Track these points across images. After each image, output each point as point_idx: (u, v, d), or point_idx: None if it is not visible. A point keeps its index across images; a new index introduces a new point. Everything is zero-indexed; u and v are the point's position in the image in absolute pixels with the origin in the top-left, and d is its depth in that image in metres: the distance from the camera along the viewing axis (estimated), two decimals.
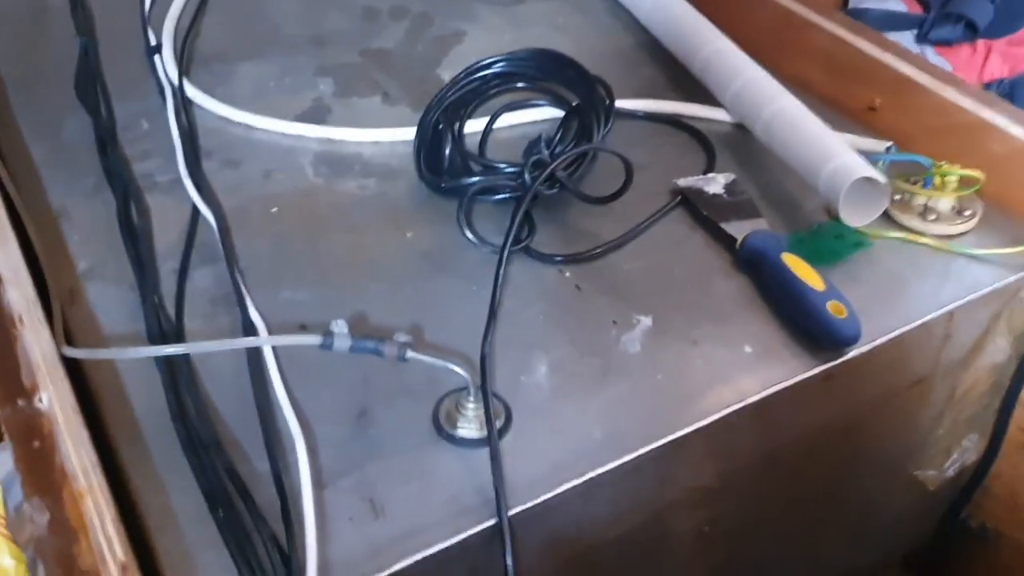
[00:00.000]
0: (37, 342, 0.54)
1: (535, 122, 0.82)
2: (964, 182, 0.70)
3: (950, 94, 0.75)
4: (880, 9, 1.07)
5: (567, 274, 0.68)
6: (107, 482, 0.49)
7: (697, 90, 0.85)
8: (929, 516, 0.85)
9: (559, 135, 0.75)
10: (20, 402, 0.50)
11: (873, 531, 0.81)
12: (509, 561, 0.50)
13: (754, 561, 0.72)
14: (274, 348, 0.59)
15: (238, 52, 0.92)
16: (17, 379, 0.52)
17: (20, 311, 0.56)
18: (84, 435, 0.50)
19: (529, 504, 0.52)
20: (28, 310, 0.56)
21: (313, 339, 0.55)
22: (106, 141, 0.79)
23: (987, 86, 1.03)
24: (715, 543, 0.66)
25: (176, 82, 0.85)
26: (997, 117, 0.73)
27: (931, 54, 1.05)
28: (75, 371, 0.58)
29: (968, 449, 0.78)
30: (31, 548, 0.59)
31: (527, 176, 0.70)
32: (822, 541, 0.77)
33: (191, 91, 0.85)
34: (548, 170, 0.68)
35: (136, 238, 0.69)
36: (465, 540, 0.51)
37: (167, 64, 0.88)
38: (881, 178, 0.66)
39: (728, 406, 0.57)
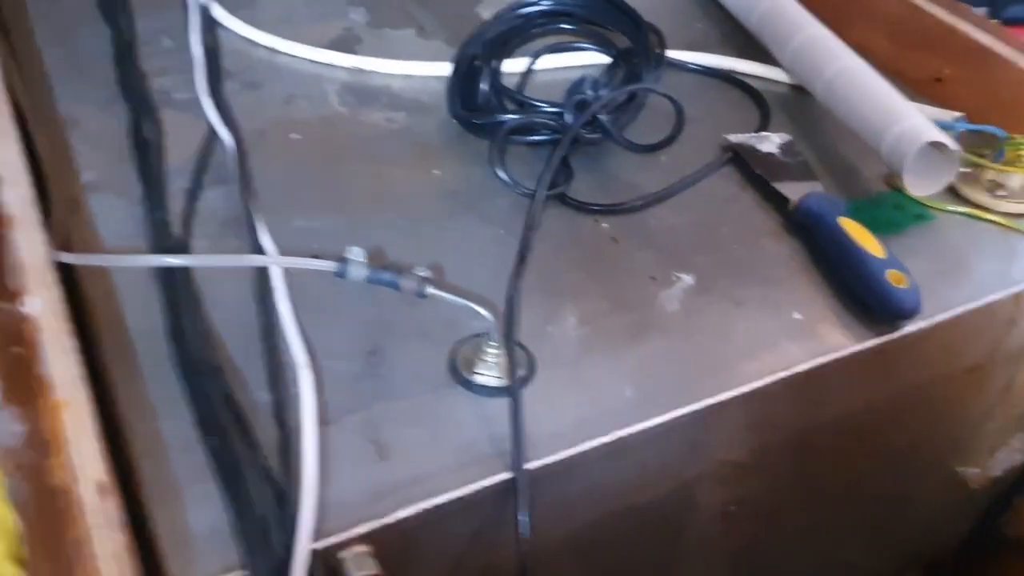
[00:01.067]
0: (28, 245, 0.50)
1: (580, 67, 0.77)
2: None
3: None
4: None
5: (604, 225, 0.63)
6: (92, 400, 0.44)
7: (753, 48, 0.80)
8: (964, 519, 0.80)
9: (605, 78, 0.70)
10: (2, 305, 0.46)
11: (905, 528, 0.76)
12: (523, 518, 0.46)
13: (778, 548, 0.67)
14: (284, 273, 0.54)
15: None
16: (2, 281, 0.48)
17: (13, 212, 0.52)
18: (70, 345, 0.45)
19: (548, 460, 0.48)
20: (23, 211, 0.52)
21: (327, 264, 0.50)
22: (124, 54, 0.75)
23: None
24: (740, 525, 0.61)
25: (202, 0, 0.80)
26: None
27: None
28: (71, 283, 0.54)
29: (1017, 449, 0.73)
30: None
31: (568, 117, 0.65)
32: (848, 535, 0.72)
33: (216, 11, 0.80)
34: (591, 110, 0.63)
35: (147, 153, 0.64)
36: (475, 492, 0.46)
37: None
38: (952, 144, 0.61)
39: (771, 374, 0.53)
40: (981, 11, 0.99)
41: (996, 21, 0.98)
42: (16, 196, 0.53)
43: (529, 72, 0.75)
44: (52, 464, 0.40)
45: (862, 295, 0.56)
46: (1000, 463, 0.72)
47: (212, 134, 0.67)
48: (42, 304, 0.47)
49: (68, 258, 0.50)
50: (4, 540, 0.66)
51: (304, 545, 0.42)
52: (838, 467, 0.63)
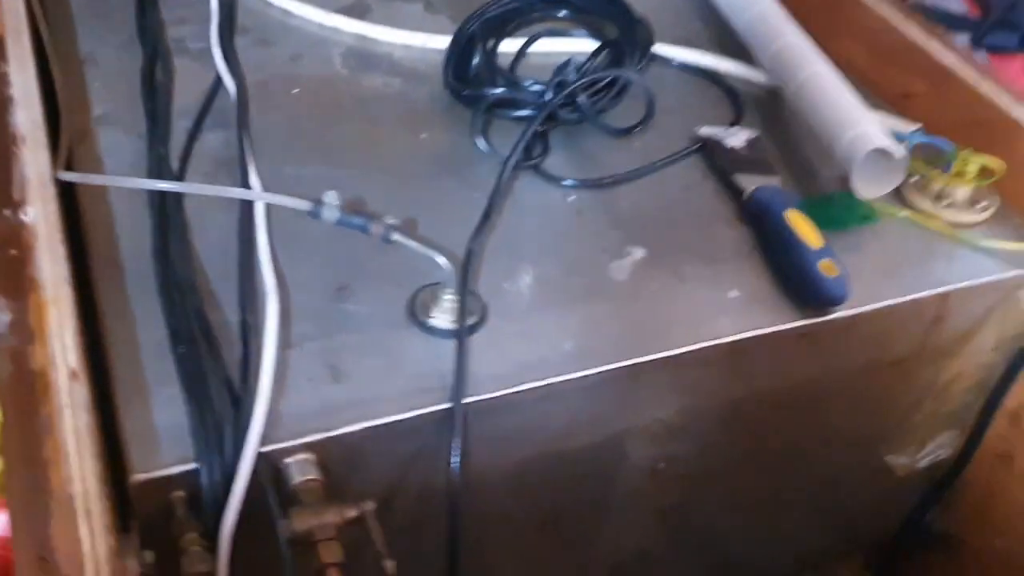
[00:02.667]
0: (34, 162, 0.55)
1: (572, 52, 0.81)
2: (984, 173, 0.69)
3: (987, 89, 0.74)
4: (940, 7, 1.05)
5: (571, 198, 0.68)
6: (78, 307, 0.50)
7: (739, 51, 0.84)
8: (894, 510, 0.84)
9: (590, 63, 0.75)
10: (6, 211, 0.51)
11: (835, 512, 0.80)
12: (457, 445, 0.51)
13: (706, 515, 0.72)
14: (265, 210, 0.59)
15: None
16: (7, 191, 0.53)
17: (24, 132, 0.57)
18: (61, 253, 0.50)
19: (485, 396, 0.53)
20: (32, 133, 0.57)
21: (303, 204, 0.55)
22: (146, 1, 0.80)
23: None
24: (668, 484, 0.66)
25: None
26: None
27: (983, 60, 1.03)
28: (71, 202, 0.59)
29: (944, 445, 0.77)
30: None
31: (549, 95, 0.70)
32: (781, 512, 0.77)
33: None
34: (568, 88, 0.68)
35: (155, 93, 0.70)
36: (416, 417, 0.51)
37: None
38: (897, 151, 0.65)
39: (699, 342, 0.57)
40: (964, 38, 1.04)
41: (980, 48, 1.03)
42: (27, 118, 0.58)
43: (523, 53, 0.80)
44: (33, 350, 0.45)
45: (795, 280, 0.61)
46: (927, 456, 0.77)
47: (218, 82, 0.72)
48: (40, 214, 0.52)
49: (67, 176, 0.55)
50: None
51: (253, 448, 0.47)
52: (767, 440, 0.68)
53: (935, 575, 0.90)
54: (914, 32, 0.82)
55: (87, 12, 0.79)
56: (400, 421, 0.51)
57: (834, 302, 0.59)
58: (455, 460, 0.52)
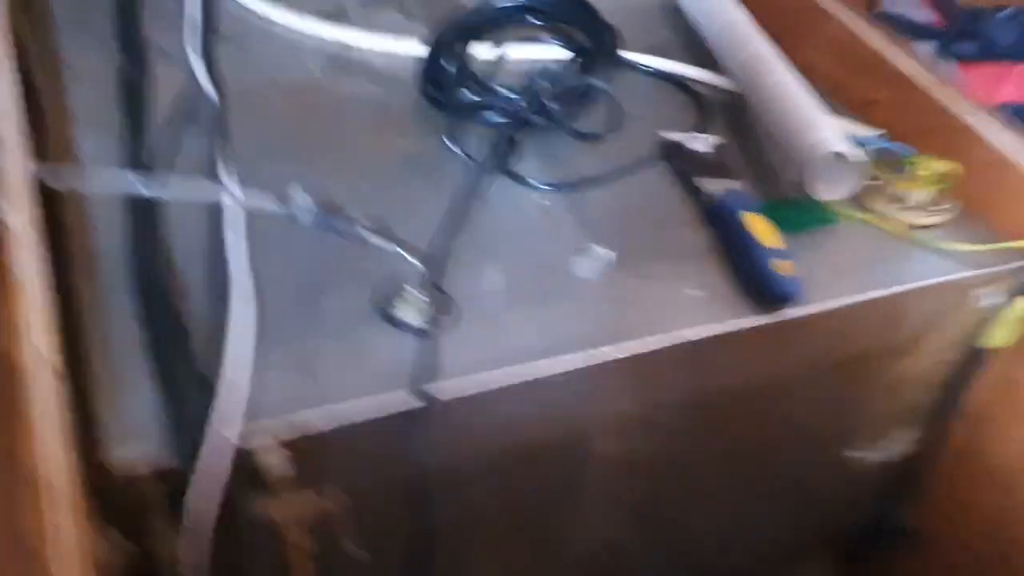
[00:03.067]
0: (14, 163, 0.57)
1: (544, 59, 0.83)
2: (941, 177, 0.71)
3: (942, 95, 0.77)
4: (907, 18, 1.08)
5: (544, 202, 0.69)
6: (55, 305, 0.51)
7: (707, 59, 0.86)
8: (861, 506, 0.86)
9: (560, 71, 0.77)
10: None
11: (801, 508, 0.82)
12: (425, 438, 0.52)
13: (674, 509, 0.74)
14: (240, 211, 0.61)
15: None
16: None
17: (3, 135, 0.58)
18: (39, 250, 0.52)
19: (455, 391, 0.54)
20: (11, 135, 0.59)
21: (278, 206, 0.57)
22: (126, 7, 0.81)
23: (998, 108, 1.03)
24: (635, 478, 0.68)
25: None
26: (987, 126, 0.74)
27: (951, 68, 1.05)
28: (50, 203, 0.60)
29: (905, 441, 0.79)
30: None
31: (522, 101, 0.72)
32: (747, 507, 0.79)
33: None
34: (540, 97, 0.70)
35: (134, 96, 0.71)
36: (387, 417, 0.53)
37: None
38: (855, 155, 0.67)
39: (661, 340, 0.59)
40: (930, 46, 1.06)
41: (947, 56, 1.06)
42: (7, 121, 0.60)
43: (497, 60, 0.82)
44: (11, 344, 0.46)
45: (751, 279, 0.63)
46: (889, 451, 0.79)
47: (197, 87, 0.74)
48: (19, 215, 0.53)
49: (47, 177, 0.57)
50: None
51: (226, 440, 0.49)
52: (732, 435, 0.70)
53: (902, 571, 0.92)
54: (877, 41, 0.84)
55: (68, 18, 0.80)
56: (369, 414, 0.53)
57: (786, 299, 0.61)
58: (423, 454, 0.53)
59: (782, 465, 0.76)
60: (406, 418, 0.54)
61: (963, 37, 1.05)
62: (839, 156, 0.67)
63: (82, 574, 0.38)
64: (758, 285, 0.62)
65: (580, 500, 0.68)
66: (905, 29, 1.05)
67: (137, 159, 0.65)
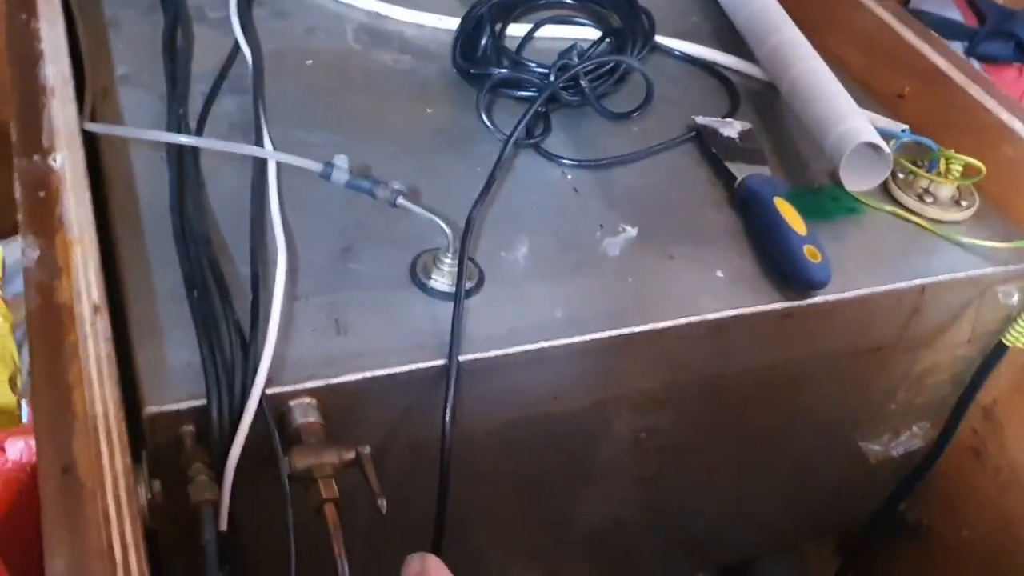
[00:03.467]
0: (62, 113, 0.58)
1: (576, 39, 0.84)
2: (966, 172, 0.72)
3: (975, 91, 0.77)
4: (937, 14, 1.08)
5: (569, 177, 0.70)
6: (99, 251, 0.52)
7: (737, 44, 0.87)
8: (867, 497, 0.87)
9: (593, 48, 0.78)
10: (36, 157, 0.54)
11: (808, 495, 0.83)
12: (451, 396, 0.54)
13: (682, 488, 0.75)
14: (278, 172, 0.62)
15: None
16: (38, 138, 0.56)
17: (53, 84, 0.60)
18: (86, 197, 0.53)
19: (478, 355, 0.56)
20: (60, 85, 0.60)
21: (315, 165, 0.58)
22: None
23: None
24: (647, 454, 0.69)
25: None
26: (1015, 121, 0.75)
27: (976, 68, 1.06)
28: (94, 154, 0.62)
29: (917, 435, 0.80)
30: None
31: (552, 76, 0.73)
32: (754, 491, 0.80)
33: None
34: (571, 71, 0.71)
35: (175, 57, 0.72)
36: (413, 371, 0.54)
37: None
38: (884, 147, 0.68)
39: (683, 317, 0.60)
40: (959, 46, 1.07)
41: (974, 57, 1.06)
42: (56, 71, 0.61)
43: (529, 37, 0.82)
44: (59, 284, 0.48)
45: (780, 264, 0.64)
46: (900, 445, 0.80)
47: (236, 49, 0.75)
48: (67, 161, 0.55)
49: (93, 127, 0.58)
50: (6, 369, 0.75)
51: (259, 388, 0.50)
52: (746, 418, 0.71)
53: (904, 563, 0.93)
54: (908, 34, 0.85)
55: None
56: (397, 374, 0.54)
57: (816, 285, 0.62)
58: (448, 414, 0.55)
59: (793, 451, 0.77)
60: (432, 378, 0.55)
61: (993, 37, 1.05)
62: (868, 147, 0.68)
63: (130, 507, 0.39)
64: (789, 270, 0.63)
65: (591, 472, 0.69)
66: (934, 26, 1.05)
67: (179, 116, 0.66)
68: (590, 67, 0.73)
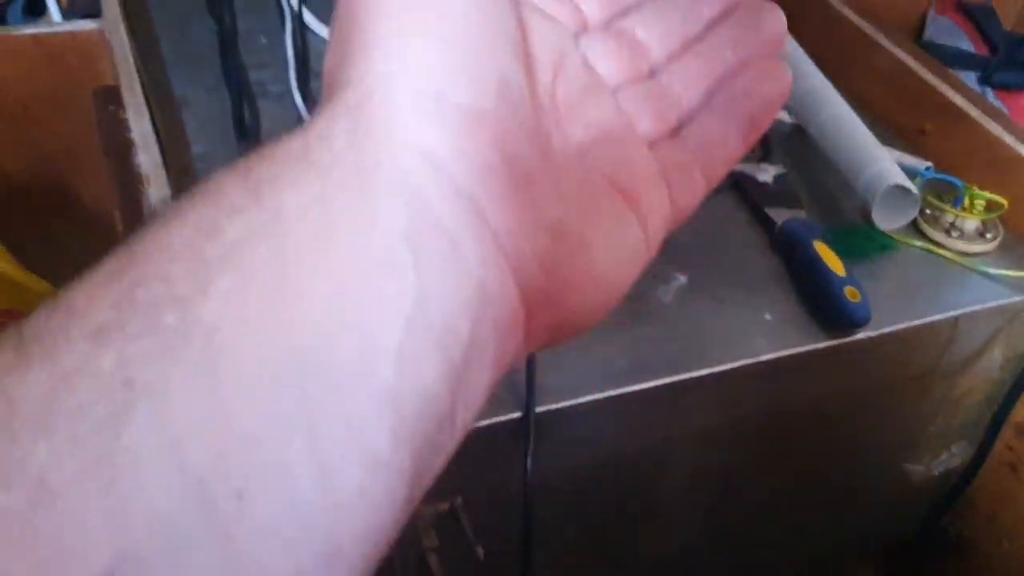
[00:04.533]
0: (159, 200, 0.63)
1: None
2: (990, 206, 0.77)
3: (993, 127, 0.82)
4: (950, 46, 1.13)
5: None
6: None
7: None
8: (911, 515, 0.91)
9: None
10: None
11: (855, 515, 0.88)
12: (530, 446, 0.58)
13: (737, 516, 0.79)
14: None
15: None
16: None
17: (148, 173, 0.65)
18: None
19: (553, 406, 0.60)
20: (155, 173, 0.65)
21: None
22: (228, 47, 0.88)
23: None
24: (706, 487, 0.73)
25: (296, 7, 0.94)
26: None
27: (991, 97, 1.10)
28: None
29: (956, 454, 0.84)
30: None
31: None
32: (804, 514, 0.84)
33: (308, 17, 0.93)
34: None
35: (246, 133, 0.78)
36: (493, 424, 0.59)
37: None
38: (912, 188, 0.73)
39: (739, 360, 0.65)
40: (973, 75, 1.11)
41: (988, 85, 1.10)
42: (148, 160, 0.66)
43: None
44: None
45: (823, 305, 0.68)
46: (941, 464, 0.84)
47: (300, 122, 0.80)
48: None
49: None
50: None
51: None
52: (799, 448, 0.76)
53: (951, 574, 0.97)
54: (925, 73, 0.89)
55: (178, 57, 0.87)
56: (480, 428, 0.59)
57: (858, 324, 0.67)
58: (529, 462, 0.59)
59: (841, 475, 0.81)
60: (511, 430, 0.60)
61: (1007, 66, 1.10)
62: (899, 188, 0.73)
63: None
64: (832, 311, 0.67)
65: (656, 508, 0.73)
66: (949, 57, 1.10)
67: None
68: None
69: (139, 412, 0.17)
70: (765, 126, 0.30)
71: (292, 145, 0.21)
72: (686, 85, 0.30)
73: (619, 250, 0.27)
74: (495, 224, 0.22)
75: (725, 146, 0.30)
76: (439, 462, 0.22)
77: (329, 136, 0.21)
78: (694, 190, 0.30)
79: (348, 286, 0.20)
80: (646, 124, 0.29)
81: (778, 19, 0.31)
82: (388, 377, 0.20)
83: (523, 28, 0.25)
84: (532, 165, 0.24)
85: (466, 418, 0.23)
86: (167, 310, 0.18)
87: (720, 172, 0.30)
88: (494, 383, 0.24)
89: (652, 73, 0.30)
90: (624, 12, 0.30)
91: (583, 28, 0.30)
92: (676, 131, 0.30)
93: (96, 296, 0.19)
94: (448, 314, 0.21)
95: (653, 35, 0.30)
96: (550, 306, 0.25)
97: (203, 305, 0.19)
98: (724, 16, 0.31)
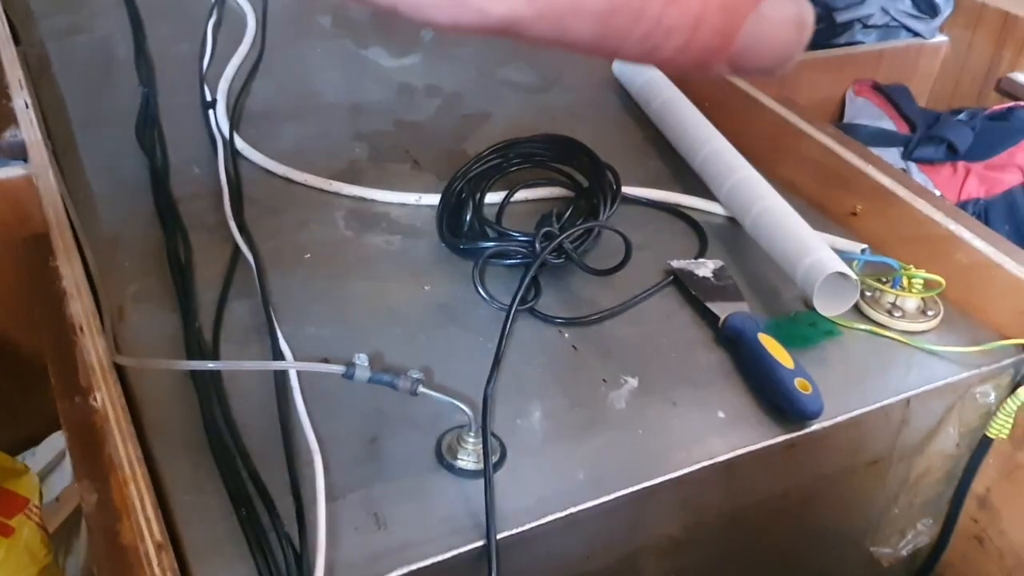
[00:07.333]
0: (94, 349, 0.62)
1: (548, 199, 0.90)
2: (928, 285, 0.78)
3: (922, 206, 0.84)
4: (872, 126, 1.16)
5: (566, 335, 0.75)
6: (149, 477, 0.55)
7: (696, 184, 0.94)
8: None
9: (569, 212, 0.84)
10: (77, 399, 0.57)
11: None
12: (493, 574, 0.57)
13: None
14: (299, 374, 0.66)
15: (284, 113, 1.01)
16: (75, 379, 0.59)
17: (81, 321, 0.63)
18: (130, 431, 0.56)
19: (515, 531, 0.59)
20: (87, 321, 0.64)
21: (337, 368, 0.62)
22: (160, 181, 0.87)
23: (963, 204, 1.11)
24: None
25: (227, 134, 0.94)
26: (963, 231, 0.81)
27: (915, 171, 1.13)
28: (121, 379, 0.65)
29: (922, 532, 0.84)
30: (62, 535, 0.65)
31: (537, 245, 0.78)
32: None
33: (240, 143, 0.94)
34: (556, 241, 0.76)
35: (182, 269, 0.77)
36: (456, 556, 0.57)
37: (220, 118, 0.97)
38: (852, 275, 0.74)
39: (697, 463, 0.64)
40: (896, 152, 1.15)
41: (911, 160, 1.14)
42: (81, 308, 0.65)
43: (506, 203, 0.88)
44: (121, 527, 0.50)
45: (775, 399, 0.68)
46: (908, 543, 0.83)
47: (236, 252, 0.79)
48: (106, 398, 0.58)
49: (125, 361, 0.62)
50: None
51: None
52: (763, 544, 0.75)
53: None
54: (851, 156, 0.92)
55: (109, 194, 0.86)
56: (440, 561, 0.57)
57: (811, 416, 0.67)
58: None
59: (809, 564, 0.80)
60: (473, 559, 0.58)
61: (926, 142, 1.13)
62: (838, 275, 0.74)
63: None
64: (784, 405, 0.67)
65: None
66: (871, 137, 1.13)
67: (194, 332, 0.70)
68: (570, 230, 0.79)
69: None
70: None
71: None
72: None
73: None
74: None
75: None
76: None
77: None
78: None
79: None
80: None
81: None
82: None
83: None
84: None
85: None
86: None
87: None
88: None
89: None
90: None
91: None
92: None
93: None
94: None
95: None
96: None
97: None
98: None
